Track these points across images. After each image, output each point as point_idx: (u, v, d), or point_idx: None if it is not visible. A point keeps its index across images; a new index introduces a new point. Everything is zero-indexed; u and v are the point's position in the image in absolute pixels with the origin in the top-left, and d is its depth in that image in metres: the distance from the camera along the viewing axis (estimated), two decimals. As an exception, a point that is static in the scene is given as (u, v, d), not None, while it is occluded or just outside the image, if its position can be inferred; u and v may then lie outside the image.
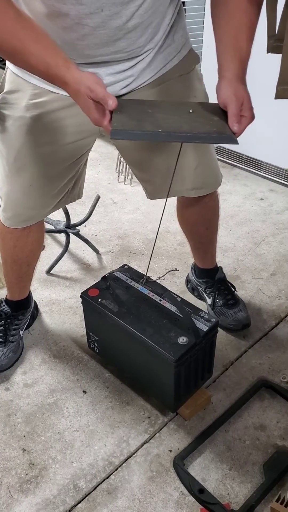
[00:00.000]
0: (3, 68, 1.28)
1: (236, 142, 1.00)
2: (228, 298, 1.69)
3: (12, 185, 1.32)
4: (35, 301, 1.76)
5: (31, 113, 1.21)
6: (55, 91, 1.18)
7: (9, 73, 1.24)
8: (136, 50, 1.13)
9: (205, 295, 1.75)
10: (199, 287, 1.78)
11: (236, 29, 1.06)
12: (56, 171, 1.32)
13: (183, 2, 2.28)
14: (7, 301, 1.63)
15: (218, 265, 1.76)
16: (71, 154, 1.31)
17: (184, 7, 2.37)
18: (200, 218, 1.58)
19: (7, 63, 1.23)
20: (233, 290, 1.74)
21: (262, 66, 1.87)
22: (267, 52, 1.19)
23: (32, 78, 1.19)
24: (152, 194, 1.47)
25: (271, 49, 1.15)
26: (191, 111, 1.05)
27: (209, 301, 1.71)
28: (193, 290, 1.82)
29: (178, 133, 0.96)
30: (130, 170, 2.51)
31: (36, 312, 1.76)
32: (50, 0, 0.99)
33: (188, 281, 1.86)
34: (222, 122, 1.01)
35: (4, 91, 1.25)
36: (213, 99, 1.09)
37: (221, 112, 1.04)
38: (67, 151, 1.29)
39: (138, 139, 1.07)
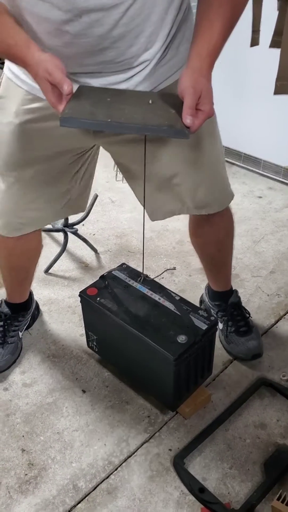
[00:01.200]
0: (2, 68, 1.26)
1: (186, 137, 0.94)
2: (241, 324, 1.59)
3: (2, 192, 1.30)
4: (36, 302, 1.75)
5: (20, 119, 1.18)
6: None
7: (4, 78, 1.21)
8: (129, 60, 1.05)
9: (217, 319, 1.66)
10: (211, 310, 1.66)
11: (210, 22, 1.01)
12: (48, 178, 1.28)
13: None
14: (7, 302, 1.62)
15: (234, 288, 1.65)
16: (62, 162, 1.27)
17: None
18: (210, 238, 1.49)
19: (4, 67, 1.20)
20: (247, 316, 1.63)
21: (261, 62, 1.87)
22: (251, 46, 1.16)
23: (24, 84, 1.15)
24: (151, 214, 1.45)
25: (253, 41, 1.13)
26: (150, 102, 1.02)
27: (221, 326, 1.62)
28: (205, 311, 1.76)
29: (128, 124, 0.93)
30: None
31: (37, 313, 1.74)
32: (29, 5, 0.95)
33: (201, 301, 1.75)
34: (177, 115, 0.97)
35: None
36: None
37: (181, 104, 0.98)
38: (57, 159, 1.25)
39: (87, 127, 1.04)
